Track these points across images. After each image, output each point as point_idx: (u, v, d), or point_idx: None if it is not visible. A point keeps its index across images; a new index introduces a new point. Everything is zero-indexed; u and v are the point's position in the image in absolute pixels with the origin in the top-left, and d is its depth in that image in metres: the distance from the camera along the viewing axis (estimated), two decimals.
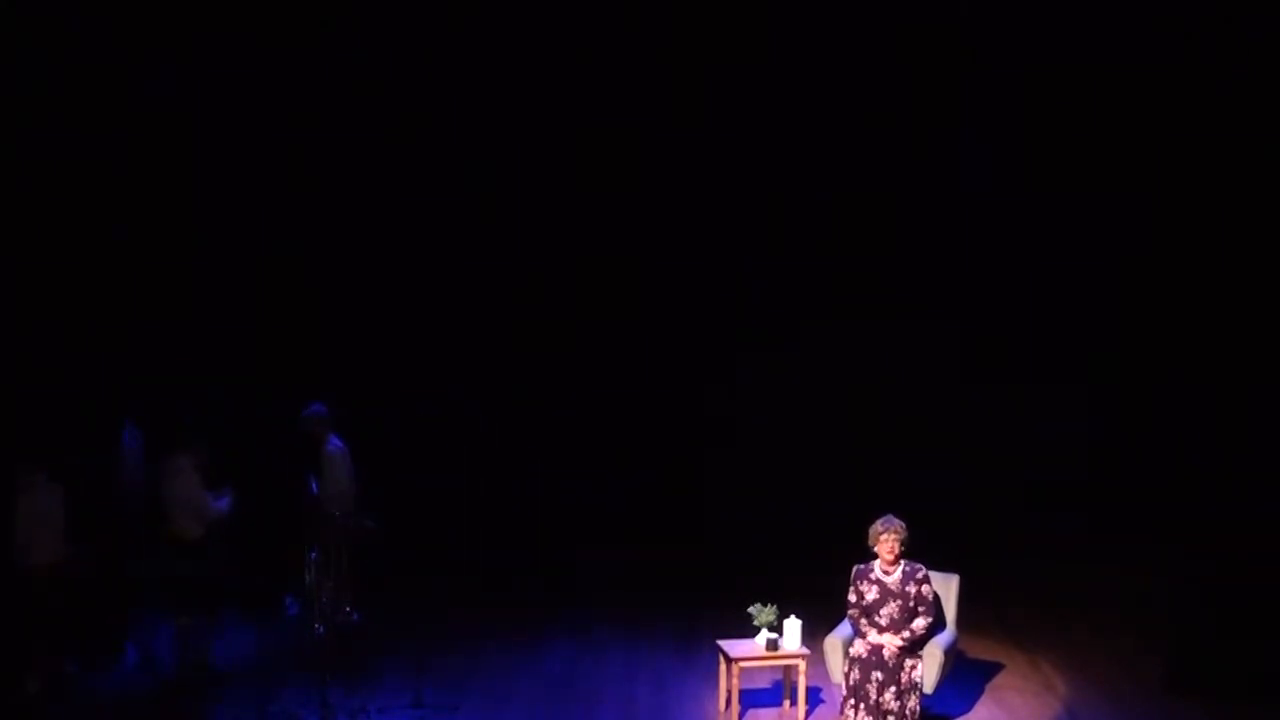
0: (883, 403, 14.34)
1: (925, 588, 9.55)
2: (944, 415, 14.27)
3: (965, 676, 10.58)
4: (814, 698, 10.21)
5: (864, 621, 9.54)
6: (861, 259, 14.17)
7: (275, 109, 13.23)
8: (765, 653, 9.93)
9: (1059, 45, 13.49)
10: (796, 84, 13.81)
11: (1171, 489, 13.64)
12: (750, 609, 9.96)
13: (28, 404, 11.37)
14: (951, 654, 9.85)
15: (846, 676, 9.45)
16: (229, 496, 10.76)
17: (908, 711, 9.31)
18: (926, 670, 9.54)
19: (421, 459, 13.77)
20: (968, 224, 14.19)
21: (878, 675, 9.30)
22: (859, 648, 9.46)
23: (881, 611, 9.50)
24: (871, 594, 9.54)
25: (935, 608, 9.65)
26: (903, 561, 9.56)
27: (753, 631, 10.00)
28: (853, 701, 9.37)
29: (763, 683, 10.50)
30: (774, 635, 9.91)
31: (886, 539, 9.47)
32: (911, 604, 9.50)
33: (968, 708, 10.25)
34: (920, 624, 9.48)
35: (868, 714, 9.31)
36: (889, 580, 9.54)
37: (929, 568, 9.68)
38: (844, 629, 9.82)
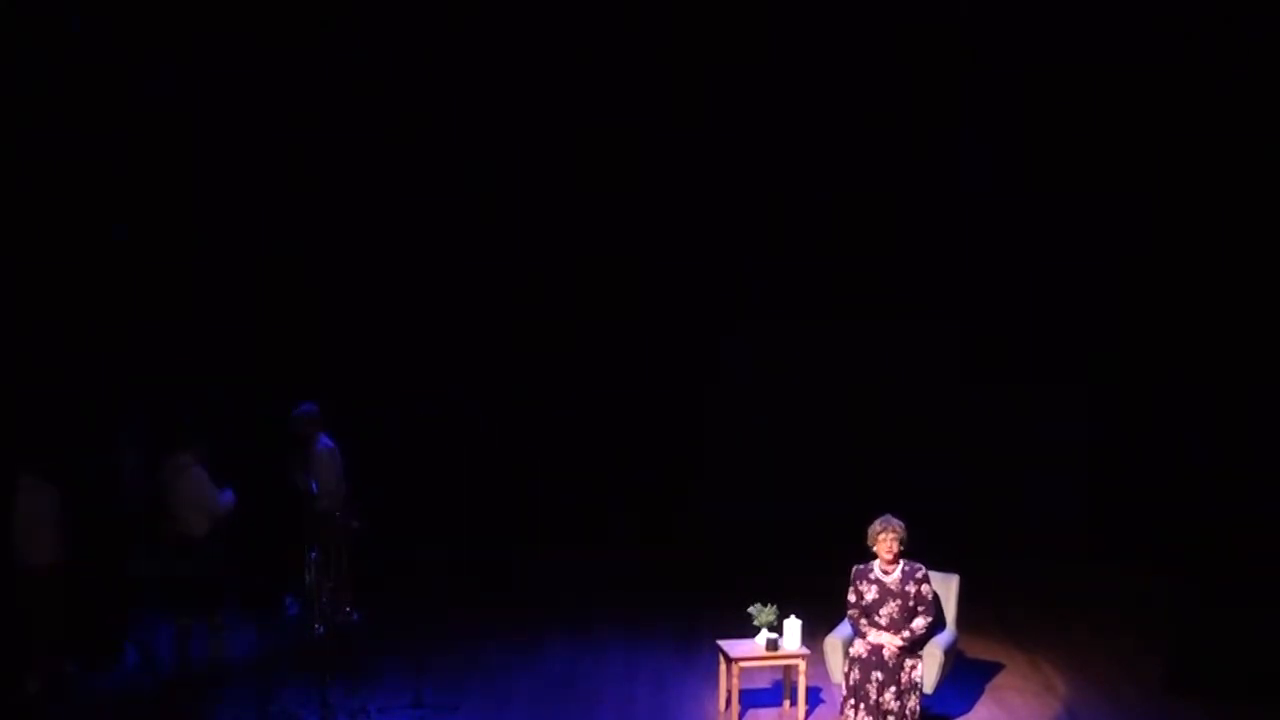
0: (883, 403, 14.34)
1: (925, 587, 9.56)
2: (944, 415, 14.27)
3: (965, 676, 10.58)
4: (814, 698, 10.22)
5: (864, 621, 9.55)
6: (861, 259, 14.16)
7: (275, 109, 13.23)
8: (765, 653, 9.93)
9: (1059, 45, 13.48)
10: (796, 84, 13.80)
11: (1171, 489, 13.63)
12: (750, 609, 9.97)
13: (27, 404, 11.37)
14: (951, 654, 9.85)
15: (846, 676, 9.45)
16: (230, 492, 10.78)
17: (908, 711, 9.32)
18: (926, 670, 9.55)
19: (421, 459, 13.76)
20: (968, 224, 14.18)
21: (878, 675, 9.31)
22: (859, 648, 9.46)
23: (881, 611, 9.50)
24: (871, 594, 9.54)
25: (935, 607, 9.65)
26: (902, 561, 9.56)
27: (753, 631, 10.01)
28: (853, 701, 9.37)
29: (763, 683, 10.50)
30: (774, 635, 9.92)
31: (885, 538, 9.47)
32: (911, 603, 9.50)
33: (968, 708, 10.26)
34: (920, 623, 9.49)
35: (868, 714, 9.31)
36: (888, 580, 9.54)
37: (929, 568, 9.69)
38: (844, 629, 9.82)
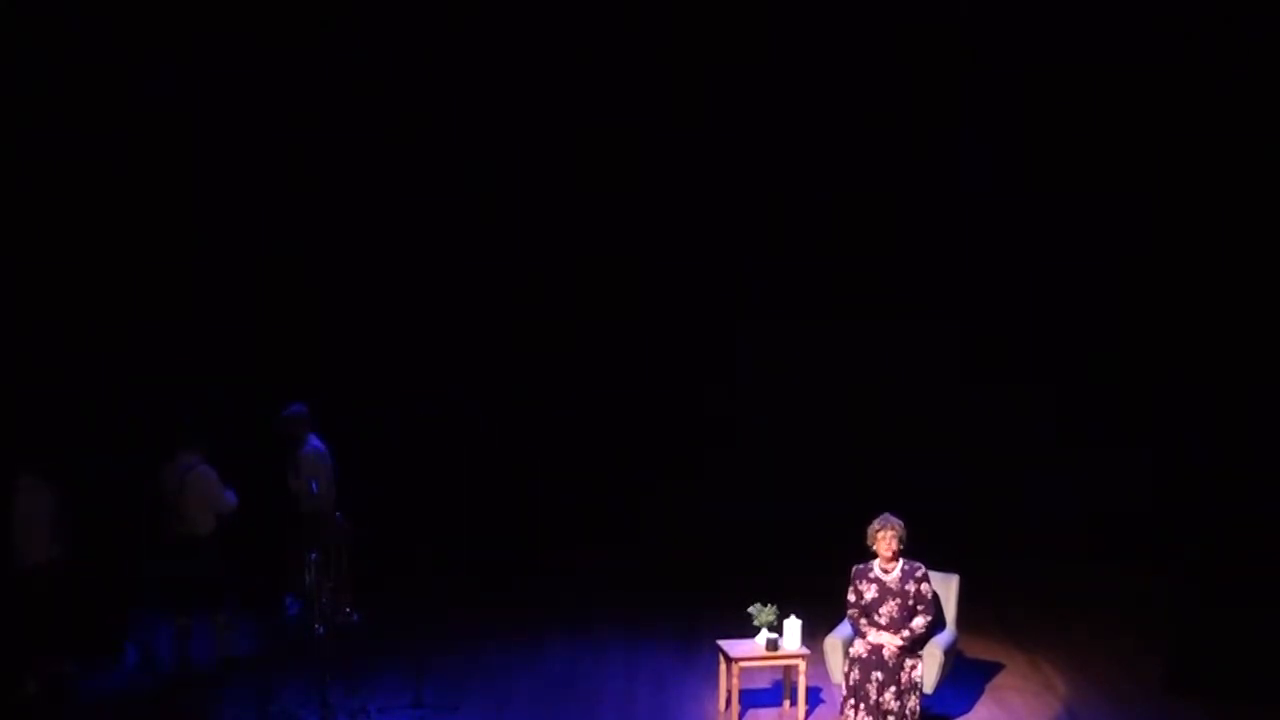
0: (883, 403, 14.33)
1: (924, 586, 9.56)
2: (944, 415, 14.26)
3: (965, 676, 10.58)
4: (814, 698, 10.22)
5: (864, 621, 9.55)
6: (861, 259, 14.16)
7: (275, 109, 13.23)
8: (765, 653, 9.93)
9: (1059, 45, 13.48)
10: (796, 84, 13.80)
11: (1171, 489, 13.63)
12: (750, 609, 9.97)
13: (27, 404, 11.38)
14: (951, 654, 9.85)
15: (846, 676, 9.45)
16: (232, 491, 10.80)
17: (908, 711, 9.32)
18: (926, 670, 9.55)
19: (421, 459, 13.76)
20: (968, 224, 14.18)
21: (878, 675, 9.31)
22: (859, 648, 9.47)
23: (881, 610, 9.50)
24: (871, 593, 9.54)
25: (935, 606, 9.65)
26: (902, 560, 9.56)
27: (753, 631, 10.01)
28: (853, 701, 9.37)
29: (763, 683, 10.50)
30: (774, 635, 9.91)
31: (884, 536, 9.48)
32: (911, 602, 9.50)
33: (968, 708, 10.26)
34: (920, 623, 9.49)
35: (868, 714, 9.31)
36: (888, 579, 9.54)
37: (929, 568, 9.69)
38: (844, 629, 9.82)
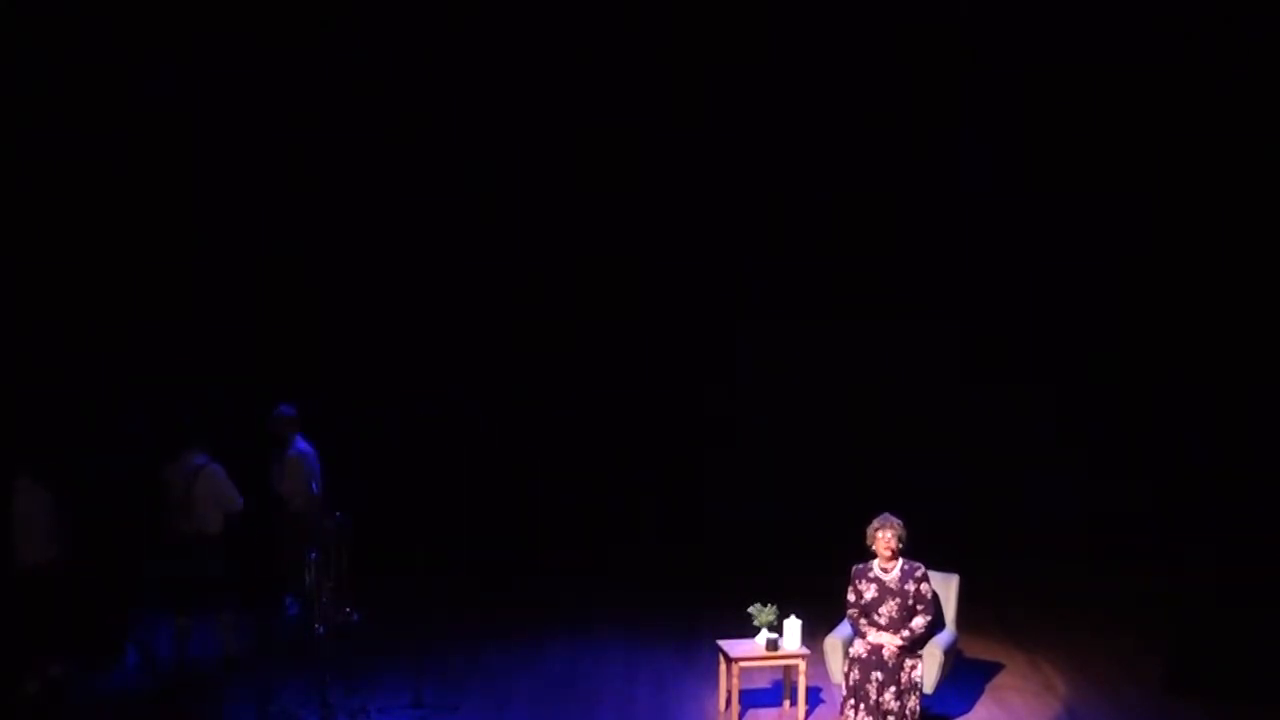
0: (883, 403, 14.34)
1: (924, 586, 9.56)
2: (944, 415, 14.27)
3: (965, 676, 10.58)
4: (814, 698, 10.22)
5: (864, 621, 9.55)
6: (861, 259, 14.16)
7: (275, 109, 13.23)
8: (765, 653, 9.93)
9: (1059, 45, 13.48)
10: (796, 84, 13.80)
11: (1171, 489, 13.64)
12: (750, 609, 9.97)
13: (27, 404, 11.38)
14: (951, 654, 9.85)
15: (846, 676, 9.45)
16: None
17: (908, 711, 9.32)
18: (926, 670, 9.55)
19: (421, 459, 13.76)
20: (968, 224, 14.18)
21: (878, 675, 9.31)
22: (859, 648, 9.47)
23: (880, 610, 9.50)
24: (870, 592, 9.54)
25: (934, 606, 9.65)
26: (901, 560, 9.57)
27: (753, 631, 10.01)
28: (853, 701, 9.38)
29: (763, 683, 10.50)
30: (774, 635, 9.91)
31: (883, 535, 9.48)
32: (910, 602, 9.50)
33: (968, 708, 10.26)
34: (919, 622, 9.49)
35: (868, 714, 9.31)
36: (887, 578, 9.54)
37: (929, 568, 9.69)
38: (844, 629, 9.82)
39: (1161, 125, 13.54)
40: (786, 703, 10.20)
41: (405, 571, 12.32)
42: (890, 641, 9.39)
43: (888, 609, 9.50)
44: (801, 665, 9.95)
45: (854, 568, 9.68)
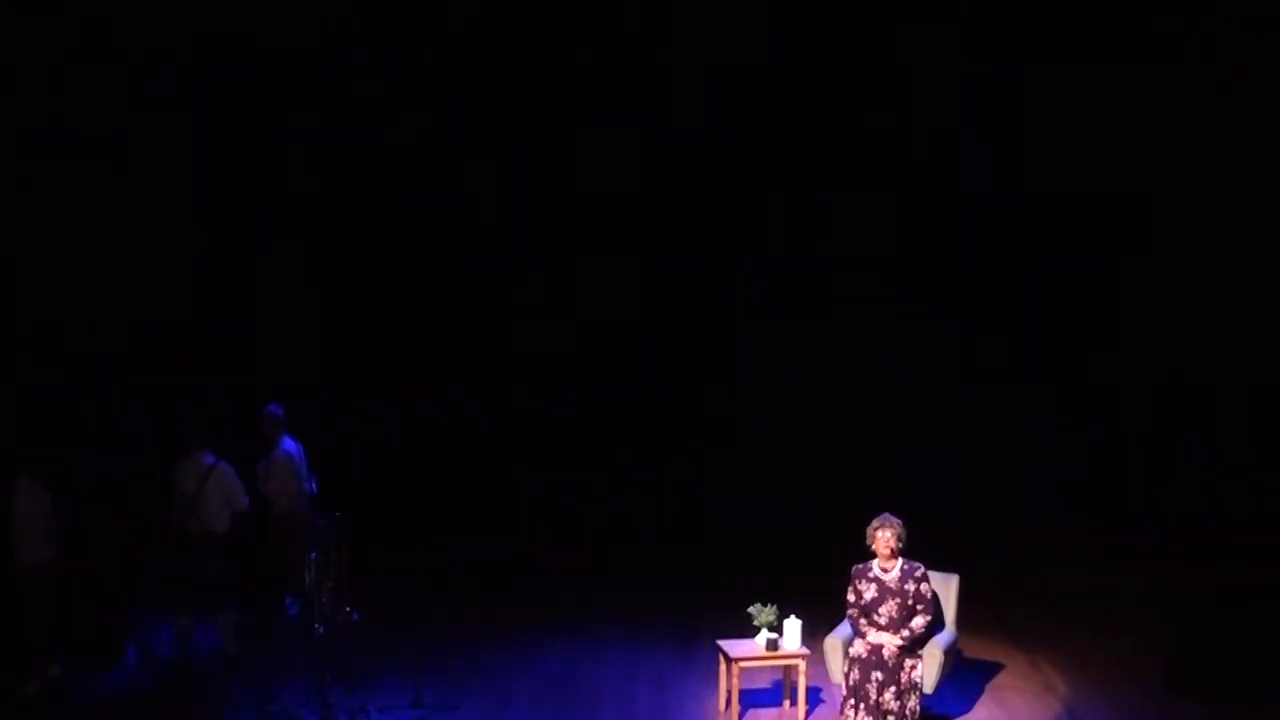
0: (883, 403, 14.34)
1: (924, 586, 9.56)
2: (944, 415, 14.27)
3: (965, 676, 10.58)
4: (814, 698, 10.21)
5: (863, 621, 9.55)
6: (861, 259, 14.17)
7: (275, 109, 13.23)
8: (765, 653, 9.92)
9: (1059, 45, 13.49)
10: (796, 84, 13.80)
11: (1171, 489, 13.64)
12: (750, 609, 9.97)
13: (27, 404, 11.38)
14: (951, 654, 9.85)
15: (846, 676, 9.45)
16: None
17: (908, 711, 9.32)
18: (926, 670, 9.54)
19: (421, 459, 13.77)
20: (968, 224, 14.18)
21: (878, 675, 9.31)
22: (859, 648, 9.46)
23: (880, 610, 9.50)
24: (870, 592, 9.54)
25: (934, 606, 9.65)
26: (901, 560, 9.56)
27: (753, 631, 10.00)
28: (853, 701, 9.37)
29: (763, 683, 10.50)
30: (774, 635, 9.91)
31: (883, 535, 9.48)
32: (910, 602, 9.50)
33: (968, 708, 10.25)
34: (919, 622, 9.49)
35: (868, 714, 9.31)
36: (887, 578, 9.54)
37: (929, 568, 9.69)
38: (844, 629, 9.82)
39: (1161, 125, 13.55)
40: (786, 703, 10.20)
41: (405, 571, 12.32)
42: (890, 641, 9.39)
43: (887, 609, 9.50)
44: (801, 665, 9.95)
45: (854, 568, 9.68)
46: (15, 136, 12.19)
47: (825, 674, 9.91)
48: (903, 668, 9.35)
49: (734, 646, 9.99)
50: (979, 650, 11.22)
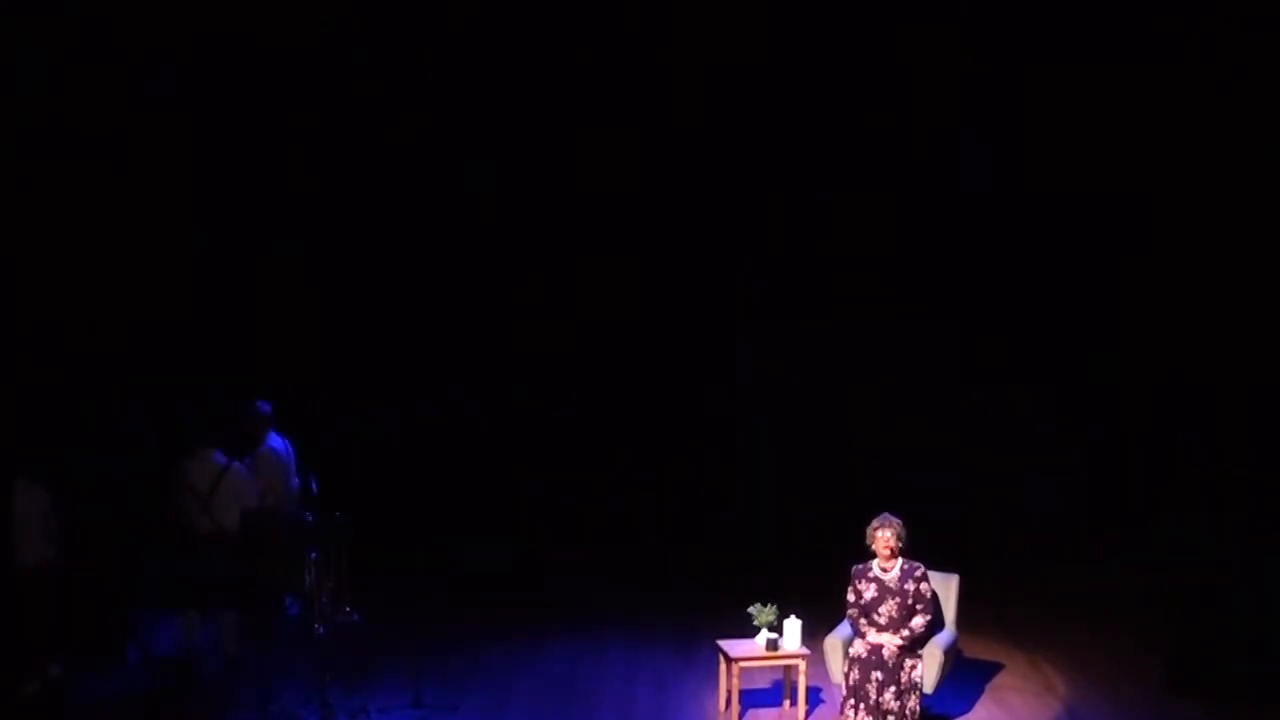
0: (883, 403, 14.34)
1: (924, 585, 9.56)
2: (944, 415, 14.27)
3: (965, 676, 10.58)
4: (814, 698, 10.21)
5: (863, 621, 9.55)
6: (861, 259, 14.17)
7: (275, 109, 13.23)
8: (765, 653, 9.92)
9: (1059, 45, 13.48)
10: (796, 84, 13.80)
11: (1171, 489, 13.64)
12: (750, 609, 9.96)
13: (27, 404, 11.37)
14: (951, 654, 9.85)
15: (846, 676, 9.45)
16: None
17: (908, 711, 9.32)
18: (926, 670, 9.54)
19: (421, 459, 13.76)
20: (968, 224, 14.18)
21: (878, 675, 9.31)
22: (859, 648, 9.47)
23: (880, 610, 9.50)
24: (870, 592, 9.54)
25: (934, 606, 9.65)
26: (901, 559, 9.57)
27: (753, 631, 10.00)
28: (853, 701, 9.37)
29: (763, 683, 10.50)
30: (774, 635, 9.91)
31: (882, 535, 9.48)
32: (910, 602, 9.50)
33: (968, 708, 10.25)
34: (919, 622, 9.49)
35: (868, 714, 9.31)
36: (887, 578, 9.54)
37: (929, 568, 9.69)
38: (844, 629, 9.82)
39: (1161, 125, 13.54)
40: (786, 703, 10.20)
41: (405, 571, 12.32)
42: (890, 641, 9.39)
43: (887, 609, 9.50)
44: (801, 665, 9.95)
45: (854, 568, 9.68)
46: (15, 136, 12.18)
47: (825, 674, 9.91)
48: (903, 668, 9.35)
49: (734, 646, 9.99)
50: (979, 650, 11.22)
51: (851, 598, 9.64)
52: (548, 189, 14.04)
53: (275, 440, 11.46)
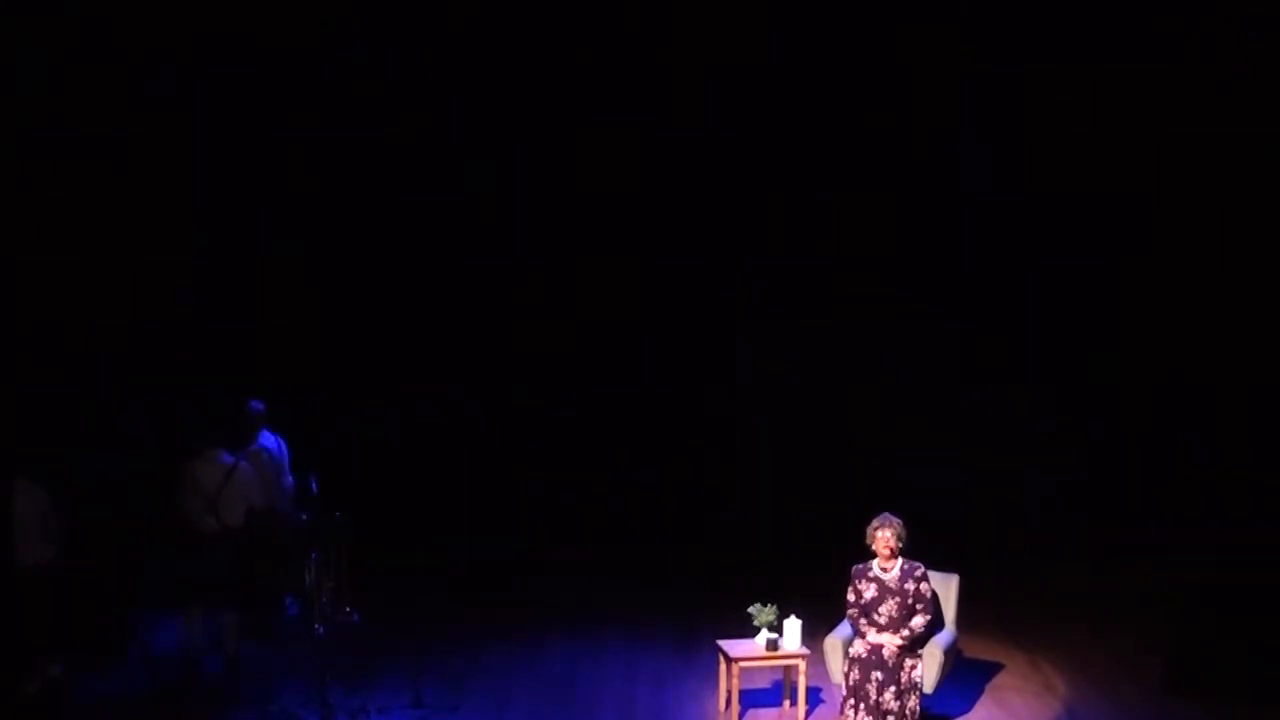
0: (883, 403, 14.33)
1: (924, 585, 9.56)
2: (944, 415, 14.26)
3: (965, 676, 10.58)
4: (814, 698, 10.22)
5: (863, 621, 9.55)
6: (861, 259, 14.17)
7: (275, 109, 13.23)
8: (765, 653, 9.93)
9: (1059, 45, 13.48)
10: (796, 84, 13.80)
11: (1171, 489, 13.64)
12: (750, 609, 9.97)
13: (27, 404, 11.37)
14: (951, 654, 9.85)
15: (846, 676, 9.45)
16: None
17: (908, 711, 9.32)
18: (926, 670, 9.54)
19: (421, 459, 13.76)
20: (968, 224, 14.18)
21: (878, 675, 9.31)
22: (859, 648, 9.47)
23: (880, 609, 9.50)
24: (870, 592, 9.55)
25: (934, 606, 9.66)
26: (901, 559, 9.57)
27: (753, 631, 10.01)
28: (853, 701, 9.37)
29: (763, 683, 10.50)
30: (774, 635, 9.91)
31: (882, 534, 9.49)
32: (910, 601, 9.50)
33: (968, 708, 10.26)
34: (919, 622, 9.49)
35: (868, 714, 9.31)
36: (887, 578, 9.55)
37: (929, 568, 9.69)
38: (844, 629, 9.82)
39: (1161, 125, 13.54)
40: (786, 703, 10.20)
41: (405, 571, 12.33)
42: (890, 641, 9.39)
43: (887, 608, 9.50)
44: (801, 665, 9.95)
45: (854, 568, 9.69)
46: (15, 136, 12.18)
47: (825, 674, 9.91)
48: (903, 667, 9.35)
49: (734, 646, 10.00)
50: (979, 650, 11.23)
51: (851, 597, 9.64)
52: (548, 189, 14.04)
53: (267, 438, 11.45)
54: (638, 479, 14.28)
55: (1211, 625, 11.61)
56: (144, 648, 11.05)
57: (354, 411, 13.54)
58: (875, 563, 9.61)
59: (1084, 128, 13.73)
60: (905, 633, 9.44)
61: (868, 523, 9.58)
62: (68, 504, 10.43)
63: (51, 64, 12.37)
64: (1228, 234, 13.71)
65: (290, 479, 11.44)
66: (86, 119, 12.61)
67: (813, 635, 10.15)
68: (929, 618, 9.55)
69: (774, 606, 9.96)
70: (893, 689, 9.29)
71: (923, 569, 9.61)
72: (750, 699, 10.27)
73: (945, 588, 10.01)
